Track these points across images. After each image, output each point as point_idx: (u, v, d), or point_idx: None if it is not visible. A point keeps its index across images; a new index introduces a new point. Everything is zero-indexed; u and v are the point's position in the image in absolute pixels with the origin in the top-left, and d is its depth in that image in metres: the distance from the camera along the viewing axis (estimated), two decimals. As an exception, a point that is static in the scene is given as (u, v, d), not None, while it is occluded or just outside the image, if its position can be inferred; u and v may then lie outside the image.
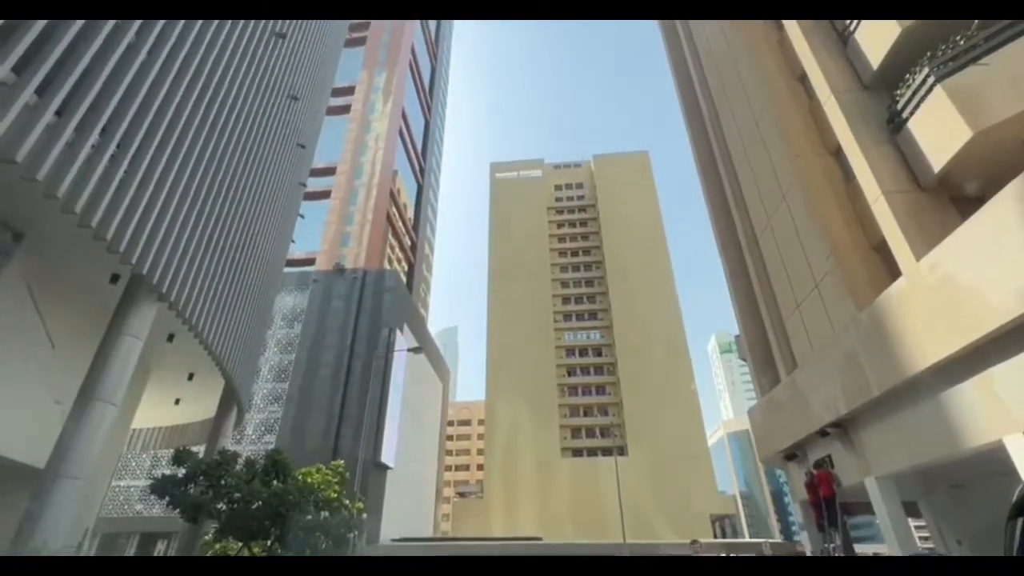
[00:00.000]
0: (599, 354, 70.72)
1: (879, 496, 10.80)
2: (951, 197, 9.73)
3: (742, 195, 17.85)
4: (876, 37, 11.15)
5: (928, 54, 9.60)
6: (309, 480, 16.75)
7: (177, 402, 20.62)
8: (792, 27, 13.58)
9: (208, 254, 15.00)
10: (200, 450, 19.75)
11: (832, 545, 12.14)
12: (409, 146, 53.65)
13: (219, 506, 14.80)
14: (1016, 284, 6.86)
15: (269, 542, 15.39)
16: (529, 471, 59.90)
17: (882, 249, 10.87)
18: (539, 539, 36.42)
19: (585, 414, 66.99)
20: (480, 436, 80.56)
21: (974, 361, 7.94)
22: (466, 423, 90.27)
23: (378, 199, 44.02)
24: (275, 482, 15.75)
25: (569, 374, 69.52)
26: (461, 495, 77.95)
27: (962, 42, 9.11)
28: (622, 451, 60.67)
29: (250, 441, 33.67)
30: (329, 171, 45.71)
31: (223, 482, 14.82)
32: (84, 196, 10.07)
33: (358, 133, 47.09)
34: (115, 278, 12.28)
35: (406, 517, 36.96)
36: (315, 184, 44.11)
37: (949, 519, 13.43)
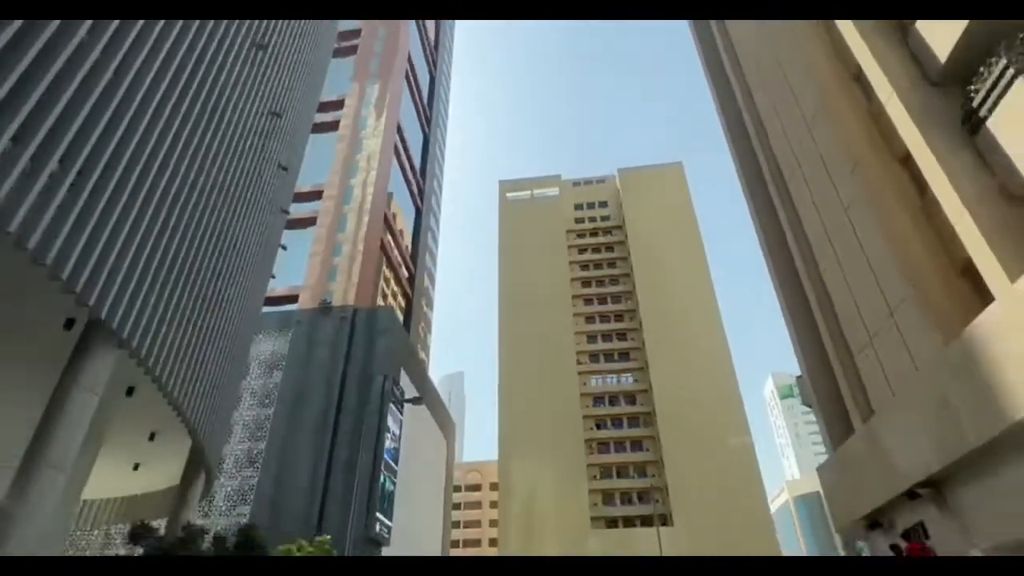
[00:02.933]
0: (633, 401, 69.55)
1: None
2: (1048, 207, 9.56)
3: (796, 212, 17.81)
4: (941, 26, 11.27)
5: (1004, 43, 9.65)
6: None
7: (136, 467, 20.65)
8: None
9: (176, 293, 15.30)
10: (161, 525, 19.58)
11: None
12: (406, 165, 55.02)
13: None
14: None
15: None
16: (552, 545, 58.12)
17: (969, 272, 10.66)
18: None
19: (619, 475, 65.31)
20: (493, 504, 78.83)
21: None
22: (476, 488, 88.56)
23: (370, 226, 44.84)
24: (249, 564, 15.43)
25: (598, 427, 68.32)
26: None
27: (1044, 29, 9.15)
28: (665, 520, 58.72)
29: (220, 513, 33.34)
30: (315, 195, 46.91)
31: (187, 564, 14.57)
32: (39, 231, 10.41)
33: (348, 152, 48.50)
34: (70, 323, 12.55)
35: (405, 605, 35.88)
36: (299, 210, 45.13)
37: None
